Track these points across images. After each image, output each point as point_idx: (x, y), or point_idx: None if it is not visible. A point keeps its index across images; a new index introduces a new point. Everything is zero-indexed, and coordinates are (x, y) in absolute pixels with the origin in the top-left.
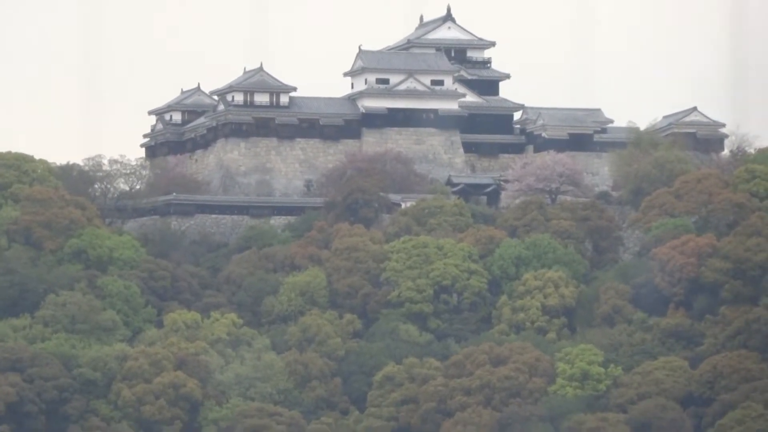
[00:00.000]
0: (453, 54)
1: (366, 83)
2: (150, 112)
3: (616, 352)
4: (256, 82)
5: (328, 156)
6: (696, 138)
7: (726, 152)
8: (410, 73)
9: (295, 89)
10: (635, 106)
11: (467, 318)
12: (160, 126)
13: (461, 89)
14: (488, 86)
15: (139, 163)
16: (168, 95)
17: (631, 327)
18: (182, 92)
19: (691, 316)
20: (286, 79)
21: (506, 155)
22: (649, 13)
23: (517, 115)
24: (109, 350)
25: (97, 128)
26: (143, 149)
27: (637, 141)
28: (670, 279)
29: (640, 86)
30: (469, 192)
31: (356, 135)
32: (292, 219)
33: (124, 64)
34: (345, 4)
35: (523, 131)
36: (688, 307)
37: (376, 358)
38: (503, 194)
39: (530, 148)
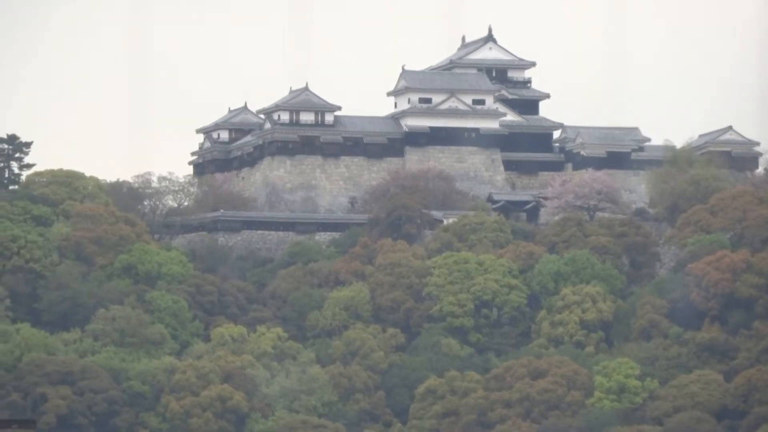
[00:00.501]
0: (494, 74)
1: (409, 102)
2: (198, 131)
3: (652, 365)
4: (301, 101)
5: (372, 173)
6: (731, 156)
7: (760, 170)
8: (452, 93)
9: (339, 108)
10: (672, 125)
11: (507, 332)
12: (207, 144)
13: (502, 108)
14: (528, 105)
15: (187, 180)
16: (215, 114)
17: (667, 341)
18: (229, 111)
19: (726, 331)
20: (330, 99)
21: (545, 173)
22: (685, 33)
23: (556, 134)
24: (157, 363)
25: (146, 146)
26: (191, 167)
27: (673, 159)
28: (706, 294)
29: (676, 105)
30: (509, 209)
31: (399, 153)
32: (336, 235)
33: (173, 83)
34: (388, 25)
35: (562, 149)
36: (723, 322)
37: (418, 372)
38: (542, 211)
39: (569, 165)
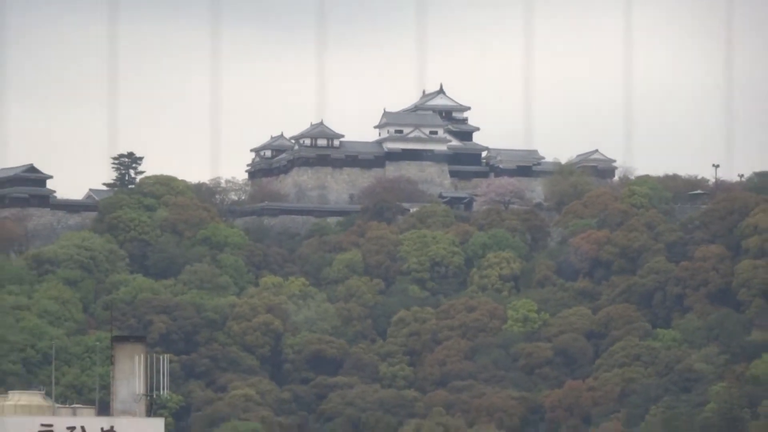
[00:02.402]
0: (443, 114)
1: (388, 132)
2: (251, 150)
3: (545, 304)
4: (319, 131)
5: (364, 178)
6: (597, 169)
7: (616, 178)
8: (416, 127)
9: (343, 136)
10: (559, 148)
11: (451, 282)
12: (257, 159)
13: (448, 137)
14: (465, 135)
15: (244, 182)
16: (262, 139)
17: (555, 288)
18: (271, 138)
19: (592, 282)
20: (337, 130)
21: (477, 179)
22: (572, 82)
23: (483, 154)
24: (224, 300)
25: (218, 159)
26: (246, 173)
27: (560, 171)
28: (580, 258)
29: (562, 135)
30: (453, 202)
31: (382, 165)
32: (341, 218)
33: (235, 119)
34: (375, 81)
35: (488, 164)
36: (591, 276)
37: (393, 307)
38: (475, 204)
39: (492, 174)
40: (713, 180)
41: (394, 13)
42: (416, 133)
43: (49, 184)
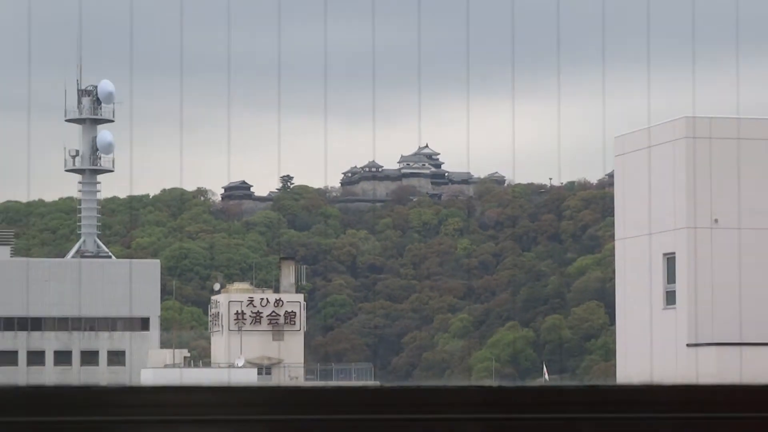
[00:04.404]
0: (428, 156)
1: (403, 165)
2: (342, 172)
3: (474, 242)
4: (372, 164)
5: (393, 186)
6: (497, 181)
7: (506, 185)
8: (416, 161)
9: (382, 166)
10: (481, 170)
11: (431, 232)
12: (344, 177)
13: (430, 167)
14: (438, 166)
15: (338, 187)
16: (347, 167)
17: (478, 234)
18: (351, 167)
19: (495, 231)
20: (380, 163)
21: (443, 186)
22: (486, 137)
23: (446, 174)
24: (330, 241)
25: (327, 176)
26: (340, 183)
27: (480, 182)
28: (490, 221)
29: (483, 164)
30: (433, 197)
31: (401, 180)
32: (382, 204)
33: (335, 158)
34: (398, 139)
35: (448, 179)
36: (495, 228)
37: (406, 243)
38: (442, 197)
39: (450, 183)
40: (549, 185)
41: (405, 104)
42: (416, 165)
43: (252, 189)
